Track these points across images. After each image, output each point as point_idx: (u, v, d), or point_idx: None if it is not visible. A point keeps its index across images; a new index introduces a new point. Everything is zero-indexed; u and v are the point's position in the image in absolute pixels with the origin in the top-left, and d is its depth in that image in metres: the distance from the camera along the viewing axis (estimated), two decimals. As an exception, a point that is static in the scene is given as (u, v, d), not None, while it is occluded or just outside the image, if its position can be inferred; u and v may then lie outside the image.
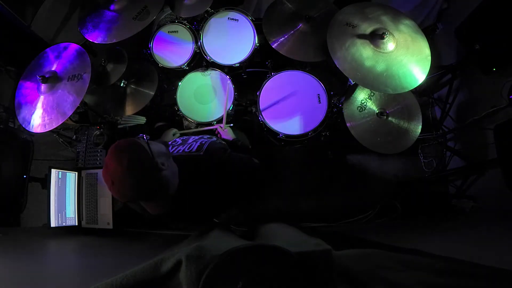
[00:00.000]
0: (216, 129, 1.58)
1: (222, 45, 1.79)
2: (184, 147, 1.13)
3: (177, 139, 1.23)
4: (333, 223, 1.95)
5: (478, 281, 0.66)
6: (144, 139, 0.90)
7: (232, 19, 1.82)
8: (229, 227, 1.92)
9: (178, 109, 1.73)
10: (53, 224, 1.63)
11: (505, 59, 1.62)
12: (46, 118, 1.45)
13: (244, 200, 1.82)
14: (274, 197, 2.05)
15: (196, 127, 1.72)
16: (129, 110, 1.81)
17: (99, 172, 1.79)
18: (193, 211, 1.05)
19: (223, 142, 1.29)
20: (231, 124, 1.60)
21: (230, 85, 1.71)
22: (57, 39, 2.11)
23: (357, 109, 1.65)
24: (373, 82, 1.36)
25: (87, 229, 1.75)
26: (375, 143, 1.60)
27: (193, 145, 1.12)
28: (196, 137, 1.21)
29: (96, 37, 1.63)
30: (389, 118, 1.63)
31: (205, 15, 1.82)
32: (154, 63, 1.83)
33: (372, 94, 1.67)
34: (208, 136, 1.27)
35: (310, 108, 1.66)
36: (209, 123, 1.68)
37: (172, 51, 1.83)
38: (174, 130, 1.59)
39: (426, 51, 1.42)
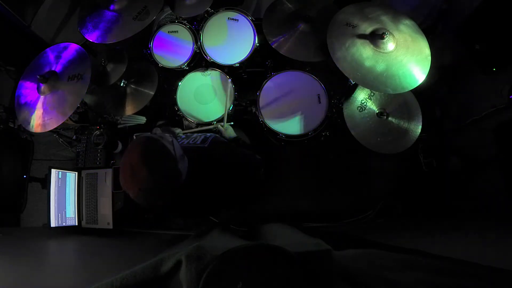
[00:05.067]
0: (217, 127, 1.58)
1: (222, 45, 1.79)
2: (188, 140, 1.14)
3: (181, 135, 1.25)
4: (333, 223, 1.95)
5: (478, 281, 0.66)
6: (170, 140, 0.88)
7: (232, 19, 1.82)
8: (229, 227, 1.92)
9: (178, 109, 1.73)
10: (53, 224, 1.63)
11: (505, 59, 1.62)
12: (46, 118, 1.45)
13: (244, 199, 1.83)
14: (274, 197, 2.05)
15: (196, 127, 1.72)
16: (129, 110, 1.81)
17: (99, 172, 1.79)
18: (195, 204, 1.05)
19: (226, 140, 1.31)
20: (232, 123, 1.60)
21: (230, 84, 1.71)
22: (57, 39, 2.11)
23: (357, 109, 1.65)
24: (373, 82, 1.36)
25: (87, 229, 1.75)
26: (375, 143, 1.60)
27: (198, 138, 1.14)
28: (200, 134, 1.22)
29: (96, 37, 1.63)
30: (389, 118, 1.63)
31: (205, 15, 1.82)
32: (154, 63, 1.83)
33: (372, 94, 1.67)
34: (211, 133, 1.28)
35: (310, 108, 1.65)
36: (209, 123, 1.67)
37: (172, 51, 1.83)
38: (179, 130, 1.59)
39: (426, 51, 1.42)
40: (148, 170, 0.79)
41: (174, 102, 1.75)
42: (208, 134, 1.18)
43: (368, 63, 1.38)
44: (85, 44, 1.64)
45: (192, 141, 1.13)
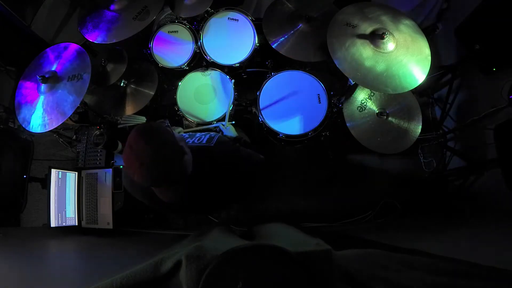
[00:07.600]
0: (218, 126, 1.58)
1: (222, 45, 1.79)
2: (193, 139, 1.14)
3: (184, 134, 1.24)
4: (333, 223, 1.95)
5: (478, 281, 0.66)
6: (166, 123, 0.90)
7: (232, 19, 1.82)
8: (229, 227, 1.92)
9: (178, 109, 1.73)
10: (53, 224, 1.63)
11: (505, 59, 1.62)
12: (46, 118, 1.45)
13: (245, 199, 1.82)
14: (274, 197, 2.05)
15: (196, 127, 1.72)
16: (129, 110, 1.81)
17: (99, 172, 1.79)
18: (200, 201, 1.05)
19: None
20: (233, 122, 1.61)
21: (231, 84, 1.71)
22: (57, 39, 2.11)
23: (357, 109, 1.65)
24: (373, 82, 1.36)
25: (87, 229, 1.75)
26: (375, 143, 1.60)
27: (202, 137, 1.14)
28: (203, 133, 1.23)
29: (96, 37, 1.64)
30: (389, 118, 1.63)
31: (205, 15, 1.82)
32: (154, 63, 1.83)
33: (372, 94, 1.67)
34: (214, 132, 1.28)
35: (310, 108, 1.65)
36: (209, 123, 1.67)
37: (172, 51, 1.83)
38: (180, 129, 1.59)
39: (426, 51, 1.42)
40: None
41: (174, 102, 1.75)
42: (213, 134, 1.18)
43: (368, 63, 1.38)
44: (85, 44, 1.63)
45: (197, 140, 1.13)
